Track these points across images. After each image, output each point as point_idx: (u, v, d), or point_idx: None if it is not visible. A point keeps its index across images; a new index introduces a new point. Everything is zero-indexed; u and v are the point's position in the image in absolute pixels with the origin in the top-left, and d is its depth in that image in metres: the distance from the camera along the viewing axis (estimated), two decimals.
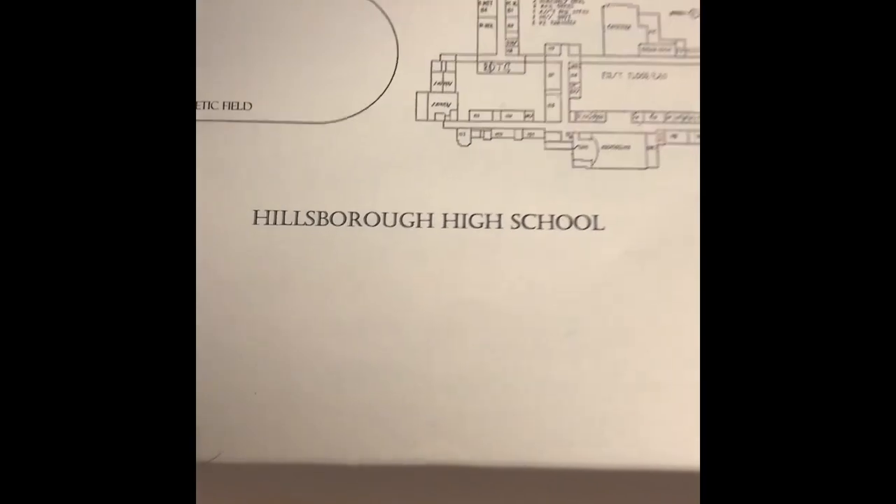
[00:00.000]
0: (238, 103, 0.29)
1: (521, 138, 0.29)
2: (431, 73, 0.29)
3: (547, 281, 0.27)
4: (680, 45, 0.29)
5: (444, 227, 0.28)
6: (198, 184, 0.28)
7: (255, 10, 0.30)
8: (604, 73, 0.29)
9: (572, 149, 0.29)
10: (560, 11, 0.30)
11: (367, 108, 0.29)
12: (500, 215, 0.28)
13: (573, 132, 0.29)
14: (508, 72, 0.29)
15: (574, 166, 0.28)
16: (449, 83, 0.29)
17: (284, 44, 0.30)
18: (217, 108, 0.29)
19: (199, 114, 0.29)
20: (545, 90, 0.29)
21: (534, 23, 0.30)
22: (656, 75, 0.29)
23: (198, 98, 0.29)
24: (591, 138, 0.29)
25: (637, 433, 0.26)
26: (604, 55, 0.29)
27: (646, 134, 0.29)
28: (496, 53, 0.30)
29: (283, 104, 0.29)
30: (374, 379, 0.27)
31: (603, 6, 0.30)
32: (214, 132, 0.29)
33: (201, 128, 0.29)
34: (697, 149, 0.28)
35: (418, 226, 0.28)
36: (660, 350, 0.27)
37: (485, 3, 0.30)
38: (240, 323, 0.27)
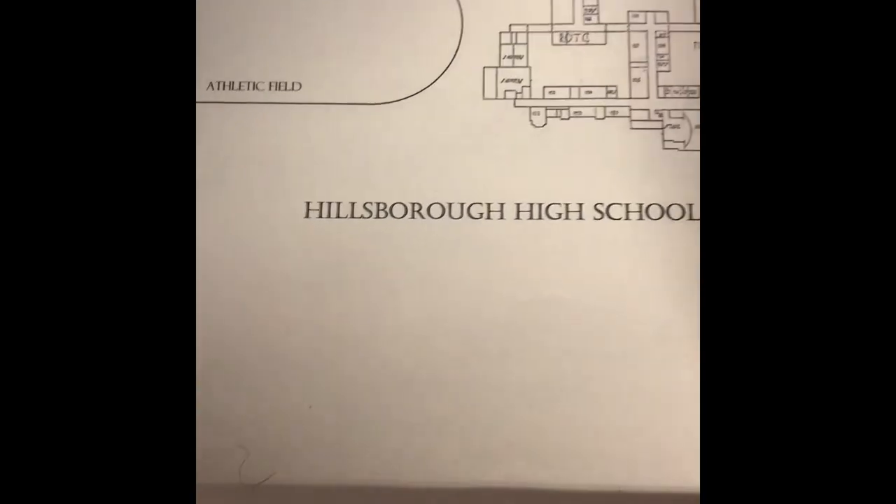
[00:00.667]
0: (286, 83, 0.26)
1: (604, 117, 0.25)
2: (500, 45, 0.26)
3: (635, 278, 0.24)
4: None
5: (518, 218, 0.25)
6: (244, 173, 0.25)
7: None
8: (696, 43, 0.26)
9: (662, 128, 0.25)
10: None
11: (429, 86, 0.26)
12: (580, 205, 0.25)
13: (663, 110, 0.25)
14: (587, 42, 0.26)
15: (665, 148, 0.25)
16: (520, 57, 0.26)
17: (335, 16, 0.27)
18: (263, 90, 0.26)
19: (243, 95, 0.26)
20: (629, 63, 0.26)
21: None
22: None
23: (241, 78, 0.26)
24: (682, 116, 0.25)
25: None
26: (695, 22, 0.26)
27: None
28: (573, 22, 0.26)
29: (336, 84, 0.26)
30: (442, 390, 0.24)
31: None
32: (260, 115, 0.26)
33: (245, 111, 0.26)
34: None
35: (488, 217, 0.25)
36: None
37: None
38: (291, 328, 0.24)
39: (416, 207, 0.25)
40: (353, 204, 0.25)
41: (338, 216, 0.25)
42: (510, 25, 0.26)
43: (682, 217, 0.25)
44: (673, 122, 0.25)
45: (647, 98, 0.25)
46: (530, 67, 0.26)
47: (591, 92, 0.26)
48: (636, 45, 0.26)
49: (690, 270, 0.24)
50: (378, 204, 0.25)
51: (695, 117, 0.25)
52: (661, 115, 0.25)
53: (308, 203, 0.25)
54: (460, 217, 0.25)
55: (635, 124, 0.25)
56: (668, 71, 0.26)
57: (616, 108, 0.25)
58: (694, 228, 0.24)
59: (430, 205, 0.25)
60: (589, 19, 0.26)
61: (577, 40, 0.26)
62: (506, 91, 0.26)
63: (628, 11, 0.26)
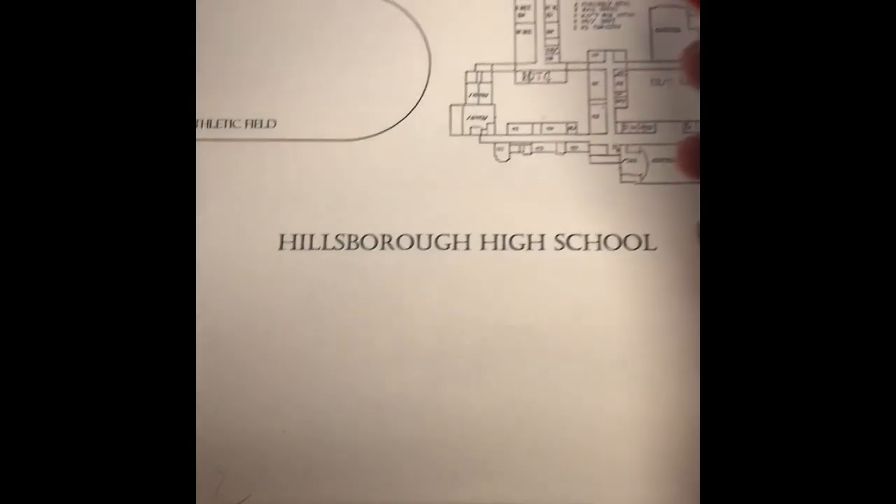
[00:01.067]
0: (262, 121, 0.27)
1: (564, 152, 0.27)
2: (466, 84, 0.28)
3: (595, 306, 0.25)
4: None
5: (483, 248, 0.26)
6: (220, 208, 0.26)
7: (279, 22, 0.28)
8: (652, 80, 0.27)
9: (620, 163, 0.27)
10: (604, 15, 0.28)
11: (399, 123, 0.27)
12: (542, 236, 0.26)
13: (620, 144, 0.27)
14: (549, 81, 0.27)
15: (622, 181, 0.26)
16: (485, 95, 0.27)
17: (310, 57, 0.28)
18: (239, 127, 0.27)
19: (221, 133, 0.27)
20: (589, 100, 0.27)
21: (575, 28, 0.28)
22: None
23: (219, 116, 0.27)
24: (639, 151, 0.27)
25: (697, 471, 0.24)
26: (652, 60, 0.27)
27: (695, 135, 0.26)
28: (535, 62, 0.28)
29: (310, 121, 0.27)
30: (411, 415, 0.25)
31: (650, 8, 0.28)
32: (237, 152, 0.27)
33: (223, 148, 0.27)
34: None
35: (455, 248, 0.26)
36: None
37: (522, 7, 0.28)
38: (265, 356, 0.25)
39: (386, 239, 0.26)
40: (325, 236, 0.26)
41: (311, 248, 0.26)
42: (476, 65, 0.28)
43: (638, 247, 0.26)
44: (630, 156, 0.27)
45: (606, 133, 0.27)
46: (495, 105, 0.27)
47: (552, 128, 0.27)
48: (595, 83, 0.27)
49: (647, 298, 0.25)
50: (350, 236, 0.26)
51: (651, 151, 0.27)
52: (618, 150, 0.27)
53: (282, 235, 0.26)
54: (428, 247, 0.26)
55: (594, 159, 0.27)
56: (626, 107, 0.27)
57: (576, 144, 0.27)
58: (650, 258, 0.26)
59: (400, 236, 0.26)
60: (550, 58, 0.28)
61: (539, 79, 0.27)
62: (471, 127, 0.27)
63: (588, 51, 0.28)
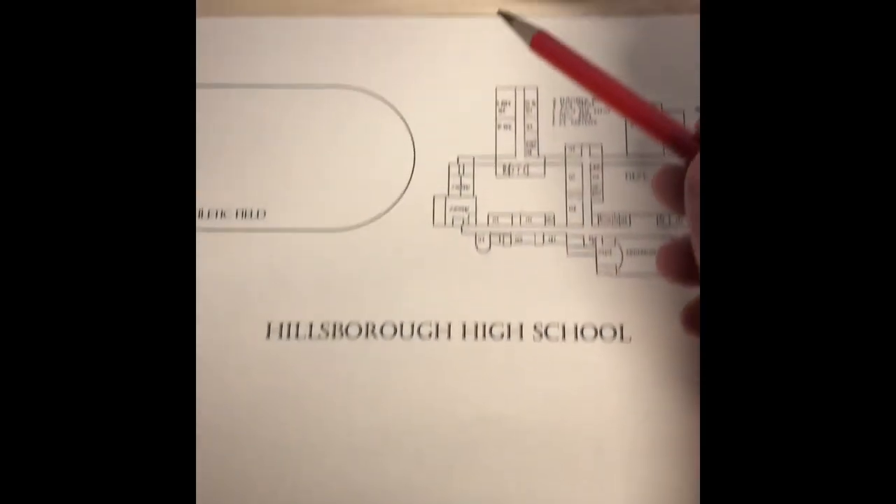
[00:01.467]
0: (252, 211, 0.28)
1: (543, 243, 0.28)
2: (449, 176, 0.29)
3: (572, 395, 0.26)
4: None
5: (464, 338, 0.27)
6: (211, 298, 0.27)
7: (269, 115, 0.29)
8: (627, 174, 0.28)
9: (596, 254, 0.28)
10: (581, 111, 0.29)
11: (384, 213, 0.28)
12: (521, 325, 0.27)
13: (596, 236, 0.28)
14: (528, 174, 0.29)
15: (598, 273, 0.27)
16: (467, 187, 0.29)
17: (299, 149, 0.29)
18: (230, 217, 0.28)
19: (213, 223, 0.28)
20: (566, 193, 0.28)
21: (554, 123, 0.29)
22: None
23: (210, 206, 0.28)
24: (615, 243, 0.28)
25: None
26: (627, 155, 0.28)
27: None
28: (515, 155, 0.29)
29: (299, 211, 0.28)
30: (393, 503, 0.25)
31: None
32: (227, 242, 0.28)
33: (213, 238, 0.28)
34: None
35: (436, 337, 0.27)
36: (694, 469, 0.25)
37: (503, 103, 0.29)
38: (250, 443, 0.26)
39: (370, 327, 0.27)
40: (311, 324, 0.27)
41: (297, 336, 0.27)
42: (458, 157, 0.29)
43: (613, 338, 0.27)
44: (606, 248, 0.28)
45: (583, 226, 0.28)
46: (476, 197, 0.28)
47: (531, 220, 0.28)
48: (572, 177, 0.28)
49: (622, 388, 0.26)
50: (335, 324, 0.27)
51: (626, 244, 0.28)
52: (594, 242, 0.28)
53: (269, 324, 0.27)
54: (411, 336, 0.27)
55: (572, 250, 0.28)
56: (602, 200, 0.28)
57: (554, 235, 0.28)
58: (625, 349, 0.27)
59: (383, 325, 0.27)
60: (530, 152, 0.29)
61: (518, 172, 0.29)
62: (454, 218, 0.28)
63: (565, 145, 0.29)
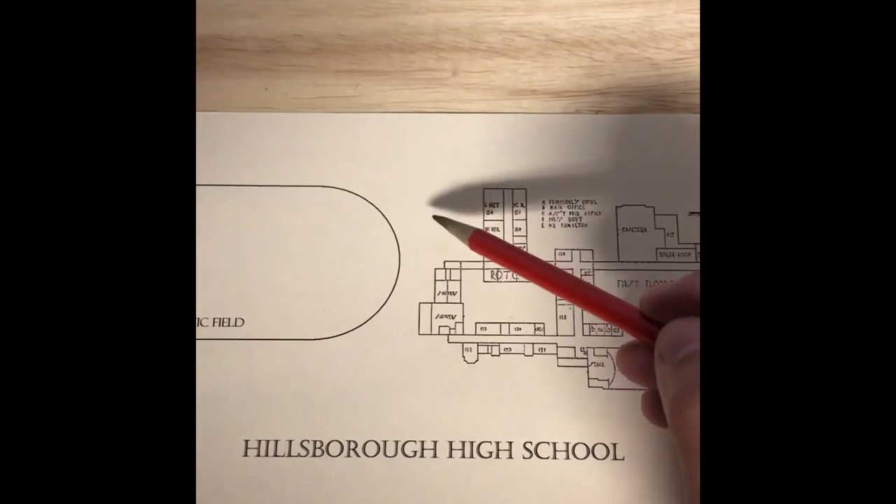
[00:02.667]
0: (229, 319, 0.27)
1: (532, 354, 0.27)
2: (435, 281, 0.28)
3: None
4: (700, 248, 0.28)
5: (451, 456, 0.26)
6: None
7: (248, 219, 0.28)
8: (619, 282, 0.27)
9: (587, 366, 0.27)
10: (571, 213, 0.28)
11: (367, 321, 0.27)
12: (510, 443, 0.26)
13: (588, 347, 0.27)
14: (517, 279, 0.28)
15: (590, 386, 0.26)
16: (454, 293, 0.28)
17: (279, 254, 0.28)
18: (207, 326, 0.27)
19: None
20: (556, 300, 0.27)
21: (543, 225, 0.28)
22: None
23: None
24: (606, 354, 0.27)
25: None
26: (619, 261, 0.28)
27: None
28: None
29: (277, 319, 0.27)
30: None
31: (617, 207, 0.28)
32: (204, 352, 0.27)
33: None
34: None
35: (422, 455, 0.26)
36: None
37: (491, 205, 0.28)
38: None
39: (352, 445, 0.26)
40: (290, 442, 0.26)
41: (275, 454, 0.26)
42: (444, 262, 0.28)
43: (606, 457, 0.26)
44: (597, 360, 0.27)
45: (573, 336, 0.27)
46: (463, 304, 0.27)
47: (520, 329, 0.27)
48: None
49: None
50: (315, 442, 0.26)
51: None
52: (586, 353, 0.27)
53: (247, 441, 0.26)
54: (395, 455, 0.26)
55: (562, 361, 0.27)
56: None
57: (544, 346, 0.27)
58: (617, 468, 0.25)
59: (366, 442, 0.26)
60: None
61: (507, 277, 0.28)
62: (440, 327, 0.27)
63: (555, 249, 0.28)
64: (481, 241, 0.26)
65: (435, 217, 0.27)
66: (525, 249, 0.28)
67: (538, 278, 0.24)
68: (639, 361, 0.22)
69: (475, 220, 0.28)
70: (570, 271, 0.28)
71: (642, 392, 0.23)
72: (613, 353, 0.27)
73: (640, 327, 0.22)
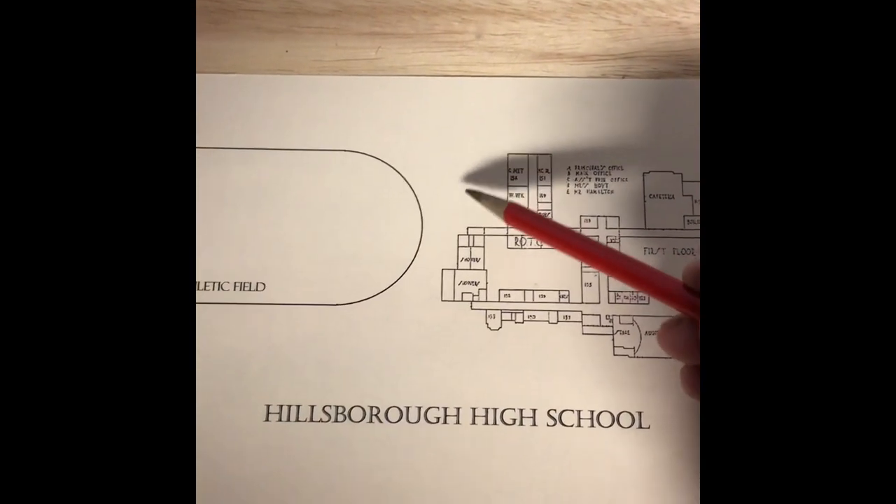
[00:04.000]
0: (251, 284, 0.27)
1: (557, 321, 0.26)
2: (458, 248, 0.27)
3: (588, 486, 0.25)
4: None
5: (473, 423, 0.26)
6: (207, 376, 0.26)
7: (269, 183, 0.28)
8: (645, 249, 0.27)
9: (613, 334, 0.26)
10: (597, 179, 0.28)
11: (389, 287, 0.27)
12: (534, 411, 0.26)
13: (613, 315, 0.26)
14: (541, 246, 0.27)
15: (615, 354, 0.26)
16: (477, 259, 0.27)
17: (301, 218, 0.28)
18: (228, 290, 0.27)
19: (208, 296, 0.27)
20: (582, 267, 0.27)
21: (568, 192, 0.28)
22: None
23: (207, 279, 0.27)
24: (632, 322, 0.26)
25: None
26: (645, 228, 0.27)
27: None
28: None
29: (299, 285, 0.27)
30: None
31: (644, 173, 0.28)
32: (224, 316, 0.27)
33: (210, 312, 0.27)
34: None
35: (444, 422, 0.26)
36: None
37: (515, 171, 0.28)
38: None
39: (375, 411, 0.26)
40: (312, 407, 0.26)
41: (297, 420, 0.26)
42: (468, 228, 0.27)
43: (631, 425, 0.25)
44: (623, 328, 0.26)
45: (599, 303, 0.26)
46: (487, 270, 0.27)
47: (544, 296, 0.27)
48: None
49: (640, 479, 0.25)
50: (337, 407, 0.26)
51: (644, 323, 0.26)
52: (611, 321, 0.26)
53: (268, 406, 0.26)
54: (417, 421, 0.26)
55: (587, 329, 0.26)
56: None
57: (568, 313, 0.26)
58: (643, 437, 0.25)
59: (388, 408, 0.26)
60: None
61: (531, 244, 0.27)
62: (463, 293, 0.27)
63: (581, 216, 0.27)
64: (516, 215, 0.25)
65: (468, 191, 0.26)
66: (550, 217, 0.27)
67: (578, 252, 0.24)
68: (683, 336, 0.21)
69: (499, 188, 0.28)
70: (595, 238, 0.27)
71: (681, 366, 0.23)
72: (639, 321, 0.26)
73: (684, 300, 0.21)
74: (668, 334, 0.22)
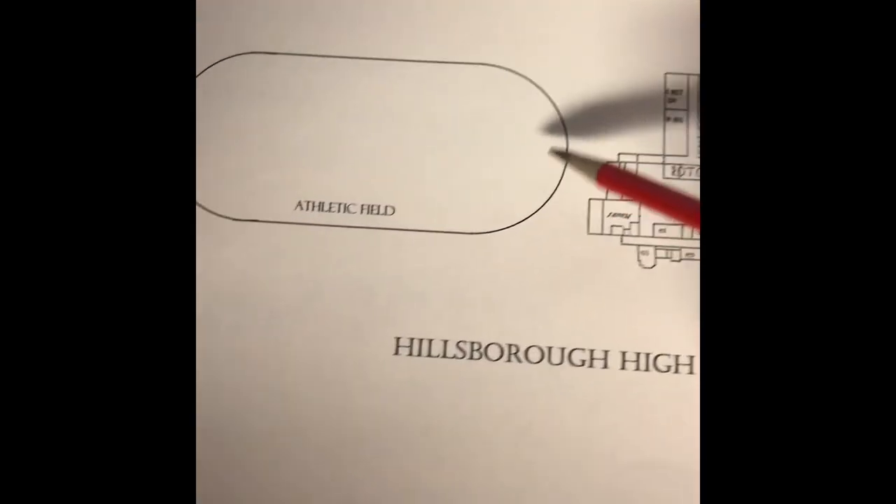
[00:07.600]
0: (379, 207, 0.25)
1: None
2: None
3: None
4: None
5: (623, 368, 0.23)
6: (332, 304, 0.24)
7: (398, 95, 0.26)
8: None
9: None
10: None
11: (530, 216, 0.24)
12: (691, 357, 0.23)
13: None
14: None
15: None
16: None
17: (435, 138, 0.25)
18: (355, 213, 0.25)
19: (333, 218, 0.25)
20: None
21: None
22: None
23: (332, 199, 0.25)
24: None
25: None
26: None
27: None
28: (687, 154, 0.25)
29: (432, 210, 0.25)
30: None
31: None
32: (351, 241, 0.24)
33: (335, 235, 0.24)
34: None
35: (591, 366, 0.23)
36: None
37: (673, 92, 0.25)
38: (376, 476, 0.23)
39: (513, 350, 0.23)
40: (445, 342, 0.24)
41: (429, 355, 0.24)
42: (619, 154, 0.25)
43: None
44: None
45: None
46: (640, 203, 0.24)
47: None
48: None
49: None
50: (472, 343, 0.24)
51: None
52: None
53: (398, 339, 0.24)
54: (560, 363, 0.23)
55: None
56: None
57: None
58: None
59: (529, 347, 0.23)
60: None
61: (691, 174, 0.24)
62: (612, 226, 0.24)
63: None
64: (612, 177, 0.22)
65: (552, 151, 0.24)
66: None
67: (677, 213, 0.21)
68: None
69: (654, 111, 0.25)
70: None
71: None
72: None
73: None
74: None
